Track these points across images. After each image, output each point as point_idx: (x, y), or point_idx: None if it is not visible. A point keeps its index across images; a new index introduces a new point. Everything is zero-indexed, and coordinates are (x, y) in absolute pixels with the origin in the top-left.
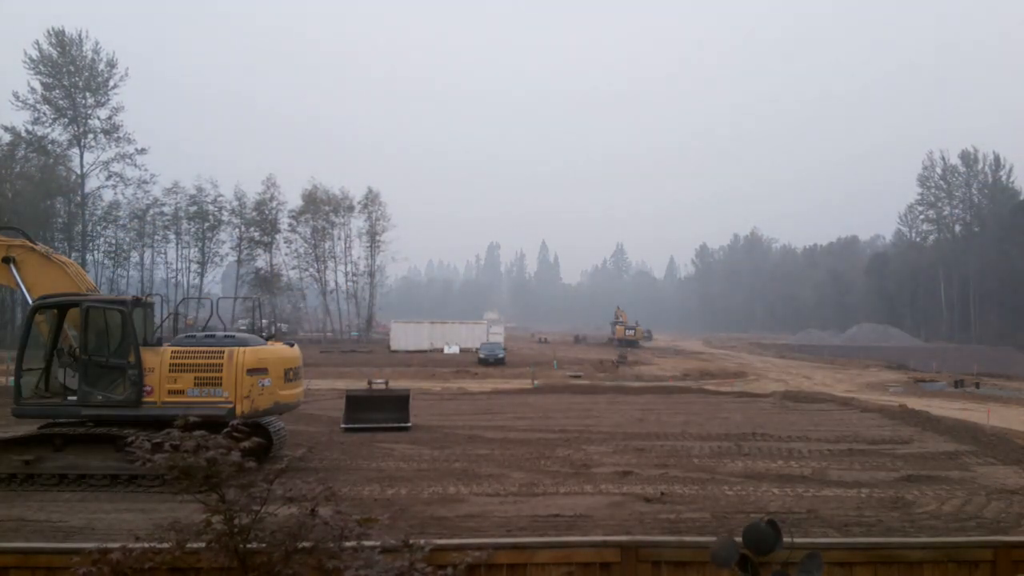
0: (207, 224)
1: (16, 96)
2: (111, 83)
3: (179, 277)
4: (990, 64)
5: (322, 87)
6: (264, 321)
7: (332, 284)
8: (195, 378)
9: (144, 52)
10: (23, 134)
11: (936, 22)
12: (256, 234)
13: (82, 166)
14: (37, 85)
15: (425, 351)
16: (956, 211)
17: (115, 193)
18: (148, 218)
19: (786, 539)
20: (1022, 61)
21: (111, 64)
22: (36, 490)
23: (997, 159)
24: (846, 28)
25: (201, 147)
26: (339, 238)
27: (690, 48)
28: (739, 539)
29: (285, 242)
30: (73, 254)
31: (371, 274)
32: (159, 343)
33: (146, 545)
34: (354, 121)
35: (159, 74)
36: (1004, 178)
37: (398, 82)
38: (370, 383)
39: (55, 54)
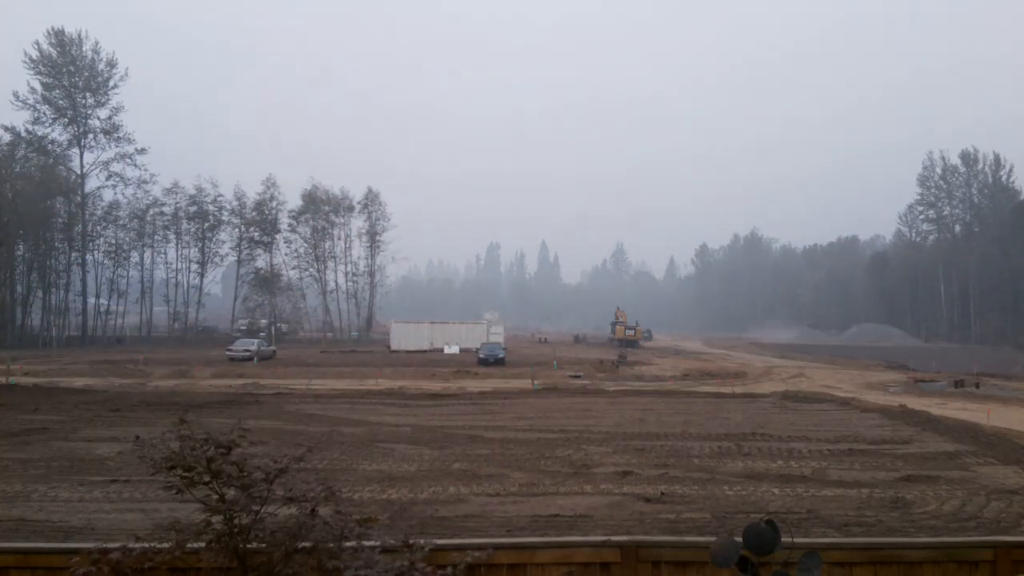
0: (207, 224)
1: (16, 96)
2: (111, 83)
3: (179, 277)
4: (991, 64)
5: (321, 86)
6: (264, 321)
7: (332, 284)
8: None
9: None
10: (23, 134)
11: (937, 23)
12: (256, 234)
13: (82, 166)
14: (37, 85)
15: (425, 351)
16: (956, 211)
17: (115, 193)
18: (148, 218)
19: (786, 539)
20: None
21: (111, 64)
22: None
23: (997, 159)
24: (846, 30)
25: (203, 147)
26: (339, 238)
27: (691, 52)
28: (739, 539)
29: (285, 242)
30: (73, 254)
31: (371, 274)
32: None
33: (146, 545)
34: (354, 120)
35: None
36: (1004, 178)
37: (399, 83)
38: None
39: (55, 54)
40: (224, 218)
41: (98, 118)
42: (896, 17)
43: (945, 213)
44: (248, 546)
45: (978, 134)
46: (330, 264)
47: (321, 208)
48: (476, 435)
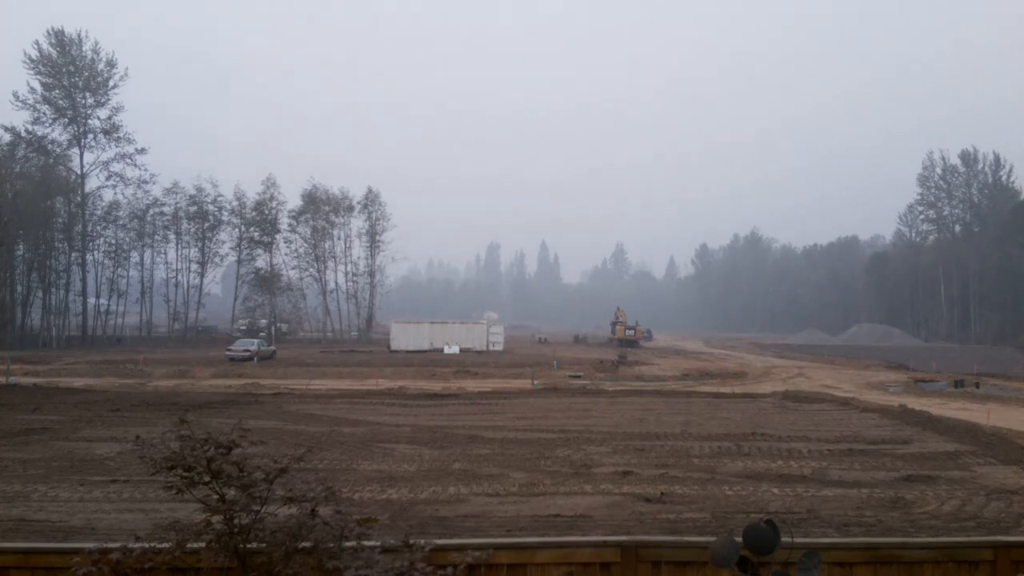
0: (207, 224)
1: (16, 96)
2: (111, 83)
3: (179, 277)
4: (991, 62)
5: (324, 83)
6: (264, 321)
7: (332, 284)
8: None
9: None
10: (23, 134)
11: (937, 22)
12: (256, 234)
13: (82, 166)
14: (37, 85)
15: (425, 351)
16: (956, 211)
17: (115, 193)
18: (148, 218)
19: (786, 539)
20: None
21: (111, 64)
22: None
23: (997, 159)
24: (845, 30)
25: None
26: (339, 238)
27: (690, 52)
28: (739, 539)
29: (285, 242)
30: (73, 254)
31: (371, 274)
32: None
33: (146, 545)
34: (355, 119)
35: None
36: (1004, 178)
37: (398, 84)
38: None
39: (55, 54)
40: (224, 218)
41: (98, 118)
42: (896, 16)
43: (945, 213)
44: (248, 546)
45: (979, 133)
46: (330, 264)
47: (321, 208)
48: (476, 435)
